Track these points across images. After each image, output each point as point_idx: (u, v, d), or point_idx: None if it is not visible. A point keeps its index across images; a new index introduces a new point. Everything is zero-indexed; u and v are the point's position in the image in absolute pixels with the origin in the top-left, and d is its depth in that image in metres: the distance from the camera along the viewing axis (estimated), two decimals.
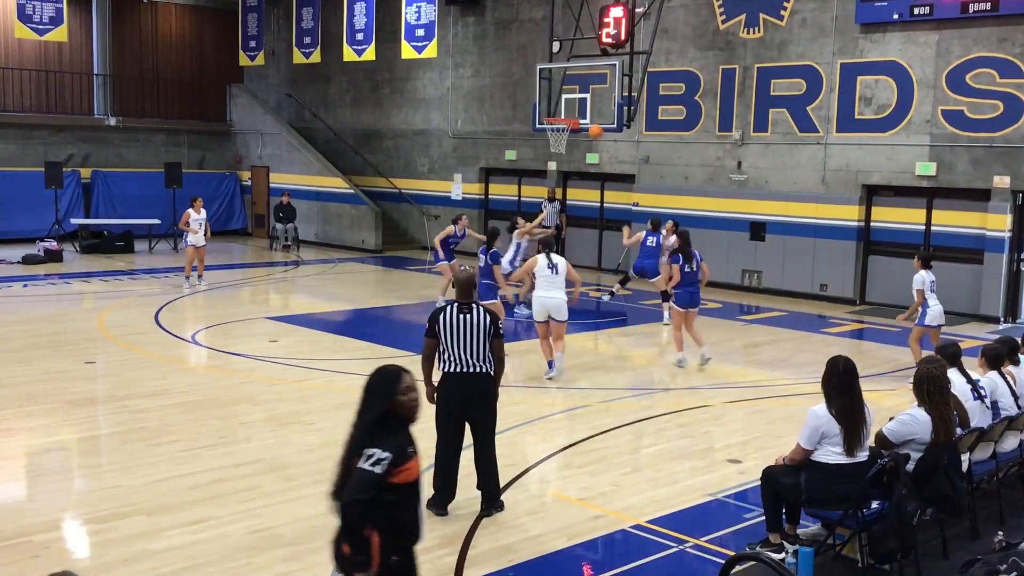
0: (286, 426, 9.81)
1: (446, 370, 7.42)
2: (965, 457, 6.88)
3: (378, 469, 4.27)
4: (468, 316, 7.39)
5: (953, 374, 7.22)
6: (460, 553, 6.77)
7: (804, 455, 6.32)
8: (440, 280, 17.22)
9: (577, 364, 12.88)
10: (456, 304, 7.48)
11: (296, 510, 7.47)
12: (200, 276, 18.87)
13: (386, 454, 4.30)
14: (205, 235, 18.70)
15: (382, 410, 4.43)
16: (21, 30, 23.79)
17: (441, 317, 7.42)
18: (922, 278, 12.44)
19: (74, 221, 24.94)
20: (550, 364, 12.10)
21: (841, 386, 6.25)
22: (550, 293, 11.96)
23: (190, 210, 18.66)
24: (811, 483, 6.23)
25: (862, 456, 6.25)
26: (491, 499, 7.54)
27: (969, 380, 7.38)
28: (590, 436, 9.70)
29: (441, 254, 16.71)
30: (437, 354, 7.50)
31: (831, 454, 6.22)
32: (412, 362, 12.86)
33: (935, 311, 12.46)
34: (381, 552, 4.32)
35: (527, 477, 8.44)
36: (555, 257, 12.07)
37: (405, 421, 4.49)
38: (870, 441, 6.42)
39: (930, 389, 6.56)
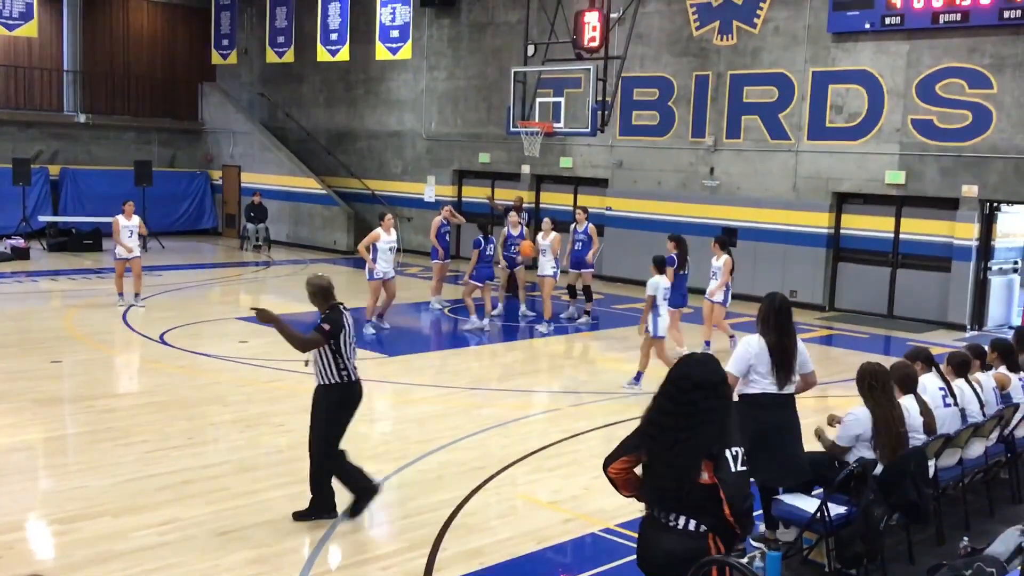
0: (255, 427, 9.74)
1: (351, 379, 7.27)
2: (932, 463, 6.94)
3: (745, 467, 4.25)
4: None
5: (929, 378, 7.28)
6: (429, 556, 6.75)
7: (733, 382, 6.48)
8: (430, 281, 17.16)
9: (549, 367, 12.89)
10: (344, 309, 7.34)
11: (264, 512, 7.42)
12: (137, 294, 16.20)
13: (742, 448, 4.27)
14: (143, 245, 16.56)
15: (730, 395, 4.41)
16: None
17: (344, 320, 7.23)
18: (655, 283, 11.67)
19: (42, 219, 24.66)
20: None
21: (776, 324, 6.59)
22: None
23: (119, 216, 16.13)
24: (742, 417, 6.19)
25: (789, 389, 6.60)
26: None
27: (944, 386, 7.43)
28: (561, 439, 9.71)
29: (441, 253, 16.69)
30: (325, 359, 7.16)
31: (761, 385, 6.47)
32: (381, 364, 12.84)
33: (665, 321, 11.95)
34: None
35: (497, 480, 8.43)
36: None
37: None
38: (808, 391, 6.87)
39: (872, 383, 6.58)
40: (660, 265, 11.84)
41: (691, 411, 4.29)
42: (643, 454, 4.44)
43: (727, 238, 14.91)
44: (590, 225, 16.59)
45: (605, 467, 4.59)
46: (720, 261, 14.02)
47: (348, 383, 7.24)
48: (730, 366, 6.48)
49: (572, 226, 16.78)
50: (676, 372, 4.42)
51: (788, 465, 6.56)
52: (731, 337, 13.89)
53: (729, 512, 4.23)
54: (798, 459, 6.65)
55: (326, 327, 7.07)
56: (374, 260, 14.57)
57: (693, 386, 4.31)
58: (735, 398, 6.34)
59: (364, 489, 7.34)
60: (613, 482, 4.59)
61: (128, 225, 16.11)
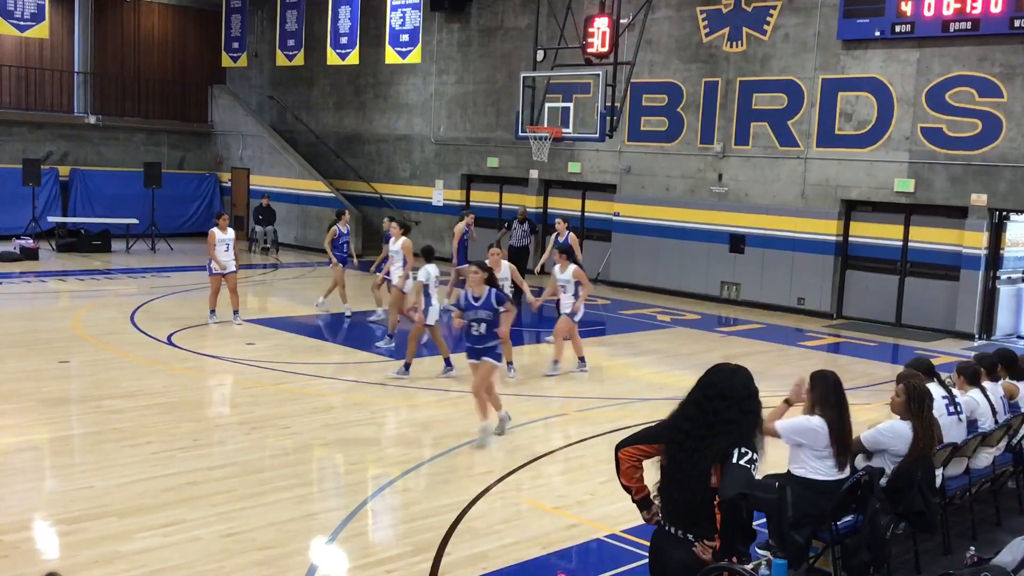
0: (261, 429, 9.75)
1: None
2: (939, 472, 6.91)
3: (753, 468, 4.21)
4: None
5: (932, 387, 7.25)
6: (434, 560, 6.74)
7: (773, 434, 6.07)
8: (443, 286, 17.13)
9: (554, 373, 12.87)
10: None
11: (269, 514, 7.42)
12: (236, 311, 15.33)
13: (755, 455, 4.23)
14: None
15: (757, 411, 4.34)
16: (2, 26, 23.60)
17: None
18: (427, 272, 12.06)
19: (51, 219, 24.72)
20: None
21: (836, 401, 6.10)
22: None
23: (214, 229, 15.19)
24: (799, 501, 6.08)
25: (848, 472, 6.18)
26: None
27: (947, 394, 7.40)
28: (567, 445, 9.70)
29: (455, 258, 16.64)
30: None
31: (818, 471, 6.07)
32: (387, 367, 12.83)
33: (436, 309, 12.26)
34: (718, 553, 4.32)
35: (503, 485, 8.42)
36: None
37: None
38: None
39: (919, 405, 6.54)
40: (428, 254, 12.53)
41: (712, 420, 4.28)
42: (661, 456, 4.43)
43: (571, 247, 13.64)
44: (571, 235, 16.43)
45: (617, 448, 4.58)
46: (568, 273, 12.81)
47: None
48: (784, 434, 6.21)
49: (553, 236, 16.61)
50: (705, 380, 4.44)
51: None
52: (580, 359, 13.12)
53: (716, 501, 4.20)
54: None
55: None
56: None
57: (718, 395, 4.33)
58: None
59: None
60: (618, 464, 4.57)
61: (224, 238, 15.19)
